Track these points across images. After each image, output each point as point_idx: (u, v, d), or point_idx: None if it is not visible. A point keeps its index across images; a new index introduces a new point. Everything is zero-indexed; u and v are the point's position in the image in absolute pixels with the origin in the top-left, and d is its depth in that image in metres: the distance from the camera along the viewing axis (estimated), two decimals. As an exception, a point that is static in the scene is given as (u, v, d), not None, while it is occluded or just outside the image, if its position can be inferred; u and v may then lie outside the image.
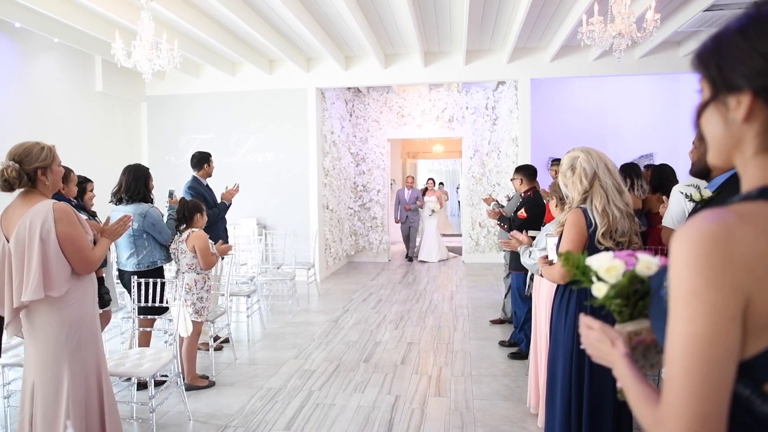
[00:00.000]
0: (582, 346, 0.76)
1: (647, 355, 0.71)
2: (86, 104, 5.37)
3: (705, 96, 0.58)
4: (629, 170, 2.87)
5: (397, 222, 7.76)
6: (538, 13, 4.57)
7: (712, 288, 0.49)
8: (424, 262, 7.46)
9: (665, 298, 0.58)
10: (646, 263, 0.73)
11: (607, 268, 0.74)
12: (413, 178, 7.95)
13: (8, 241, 1.75)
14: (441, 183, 14.37)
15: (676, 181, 2.86)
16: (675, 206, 1.91)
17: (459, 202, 11.62)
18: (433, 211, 7.55)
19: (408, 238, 7.72)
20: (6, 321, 1.78)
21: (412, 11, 4.27)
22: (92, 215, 2.98)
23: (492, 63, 5.87)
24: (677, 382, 0.51)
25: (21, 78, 4.52)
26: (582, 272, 0.78)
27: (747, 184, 0.57)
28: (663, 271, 0.63)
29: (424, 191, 7.73)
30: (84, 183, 3.01)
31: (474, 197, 7.15)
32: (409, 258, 7.73)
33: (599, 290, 0.75)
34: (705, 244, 0.50)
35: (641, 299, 0.73)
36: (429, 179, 8.18)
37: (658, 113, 7.01)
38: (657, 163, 4.99)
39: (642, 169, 3.13)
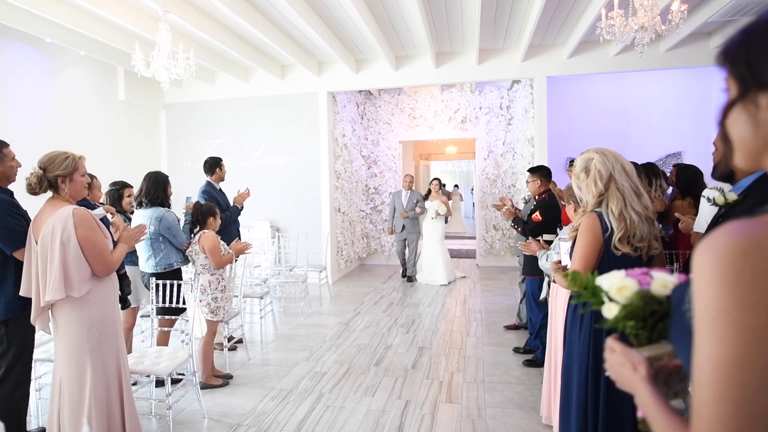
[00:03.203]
0: (606, 373, 0.71)
1: (670, 382, 0.65)
2: (110, 112, 5.61)
3: (732, 95, 0.54)
4: (647, 170, 2.75)
5: (391, 233, 6.18)
6: (555, 8, 4.46)
7: (743, 307, 0.45)
8: (431, 284, 5.89)
9: (688, 315, 0.53)
10: (663, 282, 0.67)
11: (619, 288, 0.68)
12: (413, 177, 6.23)
13: (37, 244, 1.85)
14: (456, 185, 14.19)
15: (704, 183, 2.71)
16: (706, 212, 1.82)
17: (474, 204, 11.45)
18: (437, 213, 5.85)
19: (404, 252, 6.17)
20: (32, 317, 1.89)
21: (423, 12, 4.25)
22: (129, 219, 3.11)
23: (506, 61, 5.77)
24: (708, 411, 0.46)
25: (51, 89, 4.78)
26: (592, 293, 0.72)
27: None
28: (686, 285, 0.58)
29: (427, 195, 6.08)
30: (121, 189, 3.17)
31: (488, 199, 7.05)
32: (408, 277, 6.16)
33: (610, 311, 0.69)
34: (733, 259, 0.46)
35: (660, 321, 0.67)
36: (433, 180, 6.19)
37: (686, 109, 6.65)
38: (686, 162, 4.75)
39: (671, 168, 2.97)
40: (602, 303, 0.71)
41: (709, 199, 1.61)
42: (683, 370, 0.66)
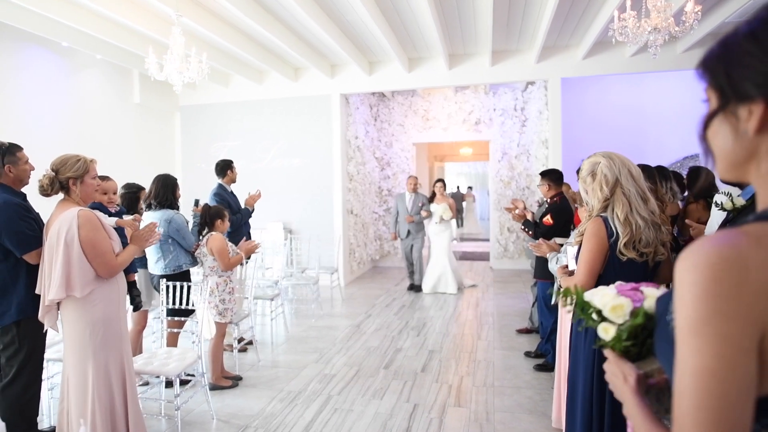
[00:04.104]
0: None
1: (661, 398, 0.63)
2: (125, 115, 5.76)
3: (712, 106, 0.54)
4: (659, 173, 2.66)
5: (394, 239, 5.75)
6: (568, 9, 4.39)
7: (723, 318, 0.45)
8: (439, 293, 5.50)
9: (671, 325, 0.53)
10: (655, 299, 0.65)
11: (613, 307, 0.66)
12: (417, 179, 5.74)
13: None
14: (470, 187, 14.08)
15: (716, 186, 2.64)
16: (717, 217, 1.75)
17: (489, 206, 11.29)
18: (442, 218, 5.42)
19: (410, 259, 5.70)
20: (40, 314, 1.93)
21: (435, 14, 4.23)
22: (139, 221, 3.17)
23: (520, 63, 5.69)
24: (688, 420, 0.47)
25: (68, 92, 4.93)
26: (581, 309, 0.70)
27: (762, 202, 0.52)
28: (670, 295, 0.58)
29: (432, 198, 5.63)
30: (138, 191, 3.20)
31: (502, 201, 6.96)
32: (415, 287, 5.70)
33: (606, 331, 0.67)
34: (714, 269, 0.46)
35: (649, 336, 0.65)
36: (437, 182, 5.66)
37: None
38: (704, 164, 4.58)
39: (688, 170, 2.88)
40: (592, 320, 0.69)
41: (716, 204, 1.55)
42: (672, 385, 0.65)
